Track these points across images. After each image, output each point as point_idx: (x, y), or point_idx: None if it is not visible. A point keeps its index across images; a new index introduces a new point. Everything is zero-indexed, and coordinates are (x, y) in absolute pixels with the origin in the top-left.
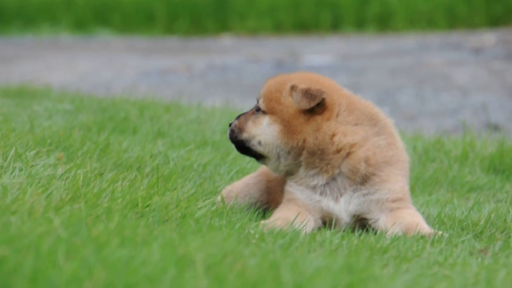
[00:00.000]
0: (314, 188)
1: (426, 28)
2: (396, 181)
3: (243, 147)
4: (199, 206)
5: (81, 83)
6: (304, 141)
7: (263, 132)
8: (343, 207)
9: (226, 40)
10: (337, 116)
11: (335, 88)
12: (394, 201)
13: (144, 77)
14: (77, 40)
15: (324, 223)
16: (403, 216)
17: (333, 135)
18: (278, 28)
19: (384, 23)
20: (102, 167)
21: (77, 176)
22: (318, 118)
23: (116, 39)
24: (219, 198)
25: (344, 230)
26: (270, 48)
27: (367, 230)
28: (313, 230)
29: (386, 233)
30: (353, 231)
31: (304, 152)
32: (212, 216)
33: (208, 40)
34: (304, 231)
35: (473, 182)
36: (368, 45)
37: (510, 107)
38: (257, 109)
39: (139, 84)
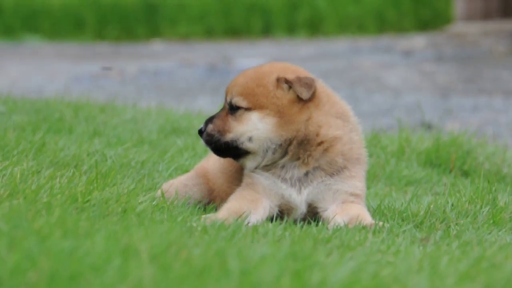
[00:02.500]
0: (285, 179)
1: (357, 32)
2: (360, 180)
3: (228, 148)
4: (139, 201)
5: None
6: (298, 131)
7: (255, 127)
8: (304, 198)
9: (157, 46)
10: (323, 106)
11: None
12: (351, 195)
13: (76, 81)
14: (5, 47)
15: (280, 211)
16: (351, 208)
17: (320, 126)
18: (210, 33)
19: (314, 28)
20: (39, 165)
21: (14, 174)
22: (311, 106)
23: (45, 45)
24: (159, 193)
25: (286, 222)
26: (202, 53)
27: (313, 220)
28: (266, 218)
29: (328, 223)
30: (304, 220)
31: (294, 143)
32: (153, 211)
33: (139, 46)
34: (248, 222)
35: (411, 176)
36: (300, 49)
37: (441, 107)
38: (234, 108)
39: (71, 89)
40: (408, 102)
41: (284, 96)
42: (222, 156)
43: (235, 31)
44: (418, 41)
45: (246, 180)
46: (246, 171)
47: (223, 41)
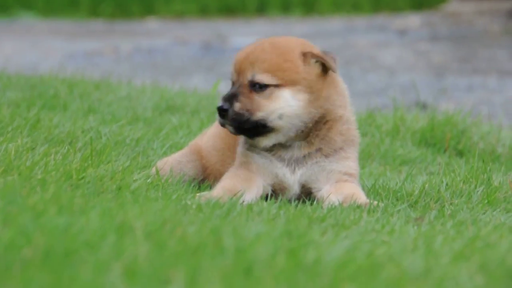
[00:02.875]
0: (283, 159)
1: (351, 11)
2: (354, 160)
3: (255, 127)
4: (134, 179)
5: (5, 65)
6: (321, 108)
7: (287, 104)
8: (297, 178)
9: (152, 23)
10: (336, 84)
11: None
12: (345, 174)
13: (71, 59)
14: None
15: (273, 191)
16: (345, 187)
17: (333, 105)
18: (204, 11)
19: (309, 6)
20: (33, 142)
21: (9, 150)
22: (330, 83)
23: (39, 22)
24: (153, 170)
25: (281, 200)
26: (197, 31)
27: (308, 200)
28: (260, 197)
29: (323, 202)
30: (298, 199)
31: (313, 121)
32: (148, 188)
33: (133, 24)
34: (242, 200)
35: (405, 155)
36: (295, 28)
37: (436, 87)
38: (261, 86)
39: (65, 66)
40: (403, 82)
41: (313, 71)
42: (243, 134)
43: (230, 9)
44: (413, 20)
45: (240, 159)
46: (244, 149)
47: (217, 19)
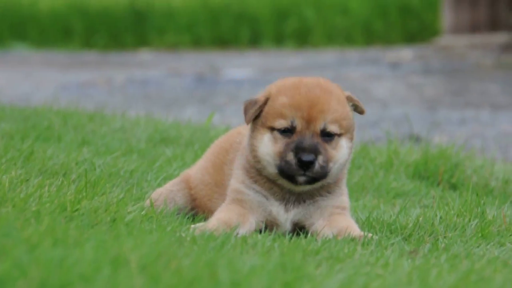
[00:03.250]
0: (283, 197)
1: (344, 44)
2: (346, 194)
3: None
4: (128, 211)
5: None
6: None
7: (345, 153)
8: (290, 217)
9: (145, 55)
10: None
11: None
12: (338, 207)
13: (64, 90)
14: None
15: (266, 226)
16: (339, 220)
17: None
18: (198, 43)
19: (302, 39)
20: (27, 174)
21: (3, 182)
22: None
23: (33, 53)
24: (148, 202)
25: (275, 233)
26: (190, 62)
27: (298, 234)
28: (252, 233)
29: (317, 235)
30: (293, 232)
31: None
32: (142, 220)
33: (127, 55)
34: (236, 233)
35: (399, 188)
36: (288, 60)
37: (429, 120)
38: (329, 135)
39: (59, 97)
40: (396, 114)
41: (352, 115)
42: (308, 184)
43: (223, 41)
44: (405, 53)
45: (233, 195)
46: (239, 185)
47: (211, 50)
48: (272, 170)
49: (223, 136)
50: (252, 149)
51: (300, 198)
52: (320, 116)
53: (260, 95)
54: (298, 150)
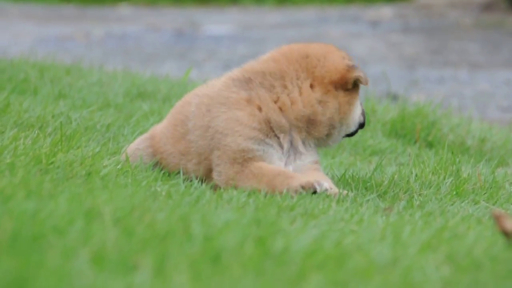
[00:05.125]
0: (286, 152)
1: (325, 2)
2: None
3: None
4: (104, 164)
5: None
6: None
7: None
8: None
9: (124, 9)
10: None
11: None
12: (316, 162)
13: (42, 43)
14: None
15: None
16: (315, 177)
17: None
18: None
19: None
20: (2, 126)
21: None
22: None
23: (11, 5)
24: (123, 156)
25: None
26: (169, 18)
27: None
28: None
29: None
30: None
31: None
32: (118, 174)
33: (106, 9)
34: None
35: (375, 146)
36: (268, 17)
37: (408, 78)
38: None
39: (36, 50)
40: (375, 73)
41: None
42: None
43: None
44: (385, 11)
45: (241, 155)
46: (246, 145)
47: (190, 7)
48: (353, 129)
49: (178, 104)
50: (344, 111)
51: (297, 152)
52: None
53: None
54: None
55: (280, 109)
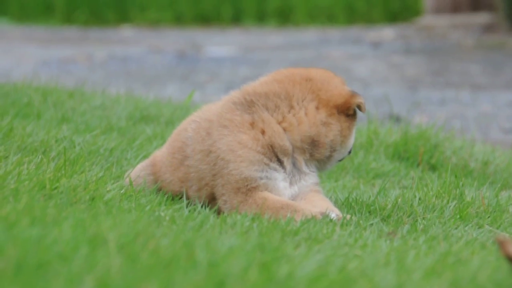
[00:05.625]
0: (289, 174)
1: (326, 23)
2: None
3: None
4: (108, 189)
5: None
6: None
7: None
8: (292, 192)
9: (126, 31)
10: None
11: None
12: (316, 184)
13: (44, 66)
14: None
15: None
16: (318, 200)
17: None
18: (179, 20)
19: (284, 17)
20: (6, 151)
21: None
22: None
23: (13, 28)
24: (127, 181)
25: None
26: (171, 39)
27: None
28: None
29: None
30: None
31: None
32: (122, 199)
33: (108, 31)
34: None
35: (378, 168)
36: (270, 38)
37: (409, 100)
38: None
39: (39, 73)
40: (377, 94)
41: None
42: None
43: (205, 18)
44: (387, 32)
45: (244, 184)
46: (248, 174)
47: (192, 28)
48: (345, 155)
49: (175, 131)
50: (345, 135)
51: (301, 172)
52: None
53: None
54: None
55: (285, 129)
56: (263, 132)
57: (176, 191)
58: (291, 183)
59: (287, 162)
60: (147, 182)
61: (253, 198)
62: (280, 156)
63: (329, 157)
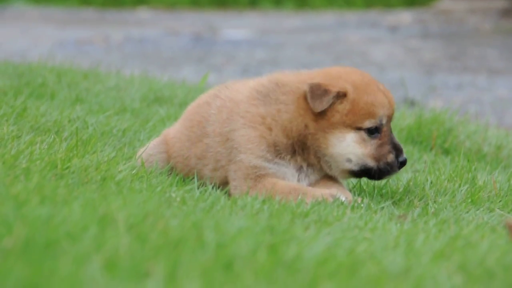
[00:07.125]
0: (299, 169)
1: (344, 6)
2: None
3: None
4: (119, 170)
5: None
6: None
7: None
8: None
9: (143, 13)
10: None
11: None
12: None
13: (61, 47)
14: None
15: None
16: (331, 185)
17: None
18: (196, 3)
19: (302, 1)
20: (19, 130)
21: None
22: None
23: (31, 9)
24: (139, 161)
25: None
26: (188, 22)
27: None
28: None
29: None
30: None
31: None
32: (133, 180)
33: (125, 13)
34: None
35: None
36: (287, 22)
37: (426, 84)
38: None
39: (55, 54)
40: (393, 78)
41: None
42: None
43: (222, 1)
44: (404, 17)
45: (253, 172)
46: (256, 162)
47: (209, 11)
48: (351, 167)
49: (193, 105)
50: (321, 145)
51: (308, 172)
52: (394, 113)
53: (328, 86)
54: (398, 152)
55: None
56: (270, 129)
57: (190, 169)
58: (299, 179)
59: (292, 160)
60: (160, 160)
61: (263, 183)
62: (284, 154)
63: (323, 162)
